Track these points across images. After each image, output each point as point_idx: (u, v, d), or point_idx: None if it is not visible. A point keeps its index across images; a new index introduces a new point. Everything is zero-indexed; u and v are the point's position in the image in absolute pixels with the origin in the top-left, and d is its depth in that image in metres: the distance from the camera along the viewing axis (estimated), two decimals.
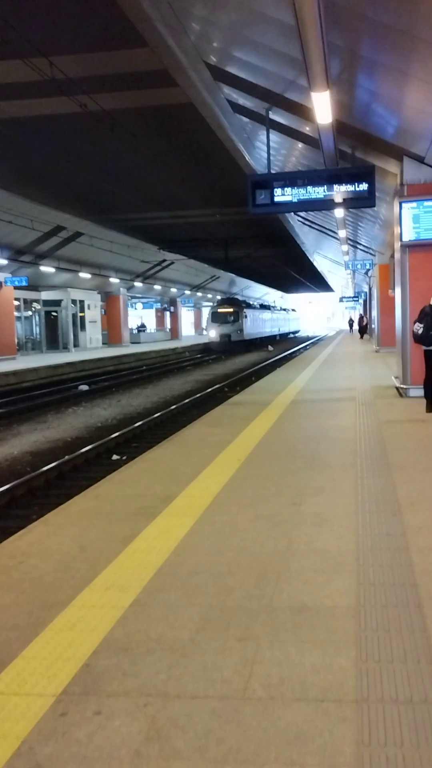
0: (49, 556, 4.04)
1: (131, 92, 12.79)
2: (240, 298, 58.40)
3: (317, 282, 69.54)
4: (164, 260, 39.75)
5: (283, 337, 66.42)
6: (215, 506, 5.04)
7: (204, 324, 57.59)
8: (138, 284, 41.53)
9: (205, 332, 45.04)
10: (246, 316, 44.72)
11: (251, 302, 57.10)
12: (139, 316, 59.09)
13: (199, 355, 38.61)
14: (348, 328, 55.15)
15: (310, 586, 3.50)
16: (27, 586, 3.59)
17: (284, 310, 72.21)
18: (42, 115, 13.60)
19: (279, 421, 9.19)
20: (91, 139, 15.36)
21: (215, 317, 44.02)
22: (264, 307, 59.15)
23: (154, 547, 4.14)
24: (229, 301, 47.27)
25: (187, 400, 17.02)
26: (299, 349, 39.51)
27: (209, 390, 19.44)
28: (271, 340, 56.91)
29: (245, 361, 34.26)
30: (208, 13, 10.60)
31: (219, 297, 58.25)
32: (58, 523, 4.75)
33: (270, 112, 13.22)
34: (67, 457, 10.18)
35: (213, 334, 43.74)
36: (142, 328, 54.49)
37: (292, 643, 2.88)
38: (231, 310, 44.28)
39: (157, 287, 45.52)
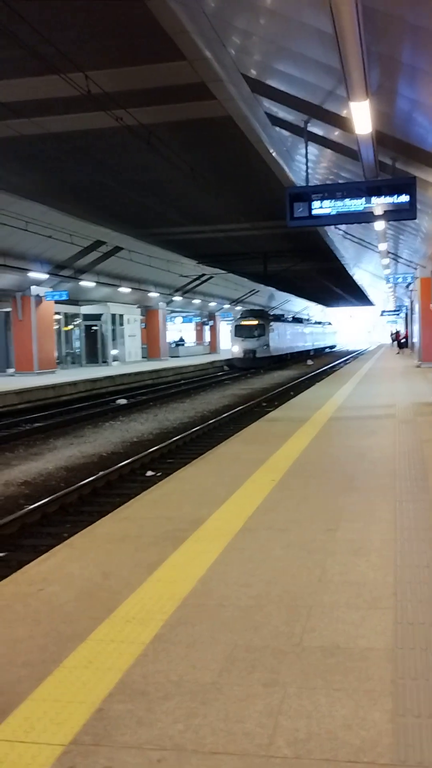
0: (71, 583, 3.87)
1: (168, 106, 12.74)
2: (278, 311, 56.53)
3: (357, 296, 68.94)
4: (203, 274, 39.75)
5: (318, 352, 61.84)
6: (246, 531, 4.82)
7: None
8: (177, 298, 41.57)
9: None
10: (273, 330, 41.20)
11: (282, 314, 53.34)
12: (178, 330, 59.00)
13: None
14: (390, 341, 53.06)
15: (343, 623, 3.25)
16: (44, 616, 3.42)
17: (319, 323, 67.74)
18: (79, 130, 13.64)
19: (316, 439, 8.93)
20: (129, 154, 15.37)
21: (239, 331, 40.59)
22: (295, 319, 55.05)
23: (180, 576, 3.94)
24: (254, 312, 43.14)
25: (223, 415, 16.84)
26: (339, 364, 39.01)
27: (246, 405, 19.22)
28: (304, 355, 53.04)
29: (284, 375, 33.97)
30: (247, 25, 10.49)
31: (269, 312, 56.06)
32: (83, 547, 4.58)
33: (308, 123, 13.04)
34: (101, 473, 10.06)
35: (236, 349, 40.28)
36: (180, 342, 54.35)
37: (322, 691, 2.64)
38: (256, 322, 40.50)
39: (196, 301, 45.41)
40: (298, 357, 50.37)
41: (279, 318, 46.57)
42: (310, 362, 46.65)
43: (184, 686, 2.71)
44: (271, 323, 41.38)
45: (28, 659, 2.96)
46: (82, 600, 3.62)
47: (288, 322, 49.10)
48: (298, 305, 71.17)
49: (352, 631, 3.17)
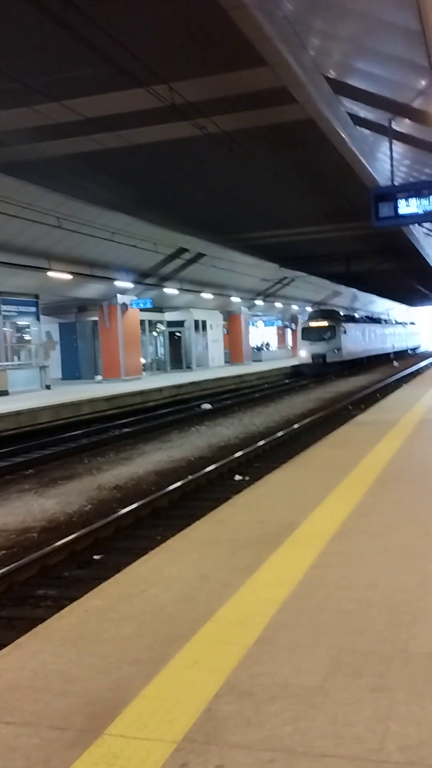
0: (170, 585, 3.95)
1: (249, 112, 12.81)
2: (353, 312, 51.55)
3: None
4: (284, 278, 39.61)
5: (400, 354, 56.10)
6: (341, 535, 4.79)
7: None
8: (259, 302, 41.58)
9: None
10: (345, 332, 37.42)
11: (356, 315, 48.82)
12: (261, 333, 58.83)
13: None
14: None
15: None
16: (148, 617, 3.51)
17: (400, 323, 62.20)
18: (162, 140, 13.89)
19: (407, 442, 8.77)
20: (210, 161, 15.52)
21: (306, 333, 37.03)
22: (372, 319, 50.76)
23: (278, 580, 3.95)
24: (324, 313, 39.69)
25: (309, 419, 16.74)
26: (426, 365, 38.00)
27: (332, 408, 19.04)
28: (382, 359, 48.58)
29: (369, 378, 33.44)
30: (327, 26, 10.45)
31: (342, 312, 50.34)
32: (180, 550, 4.67)
33: (393, 122, 12.85)
34: (190, 477, 10.20)
35: (304, 354, 36.69)
36: (266, 346, 53.95)
37: (431, 698, 2.60)
38: (325, 324, 36.98)
39: (278, 305, 45.22)
40: (376, 360, 46.37)
41: (352, 318, 42.98)
42: (396, 363, 45.63)
43: (290, 689, 2.73)
44: (343, 324, 37.91)
45: (136, 657, 3.04)
46: (183, 602, 3.69)
47: (363, 322, 45.22)
48: (382, 306, 69.84)
49: None
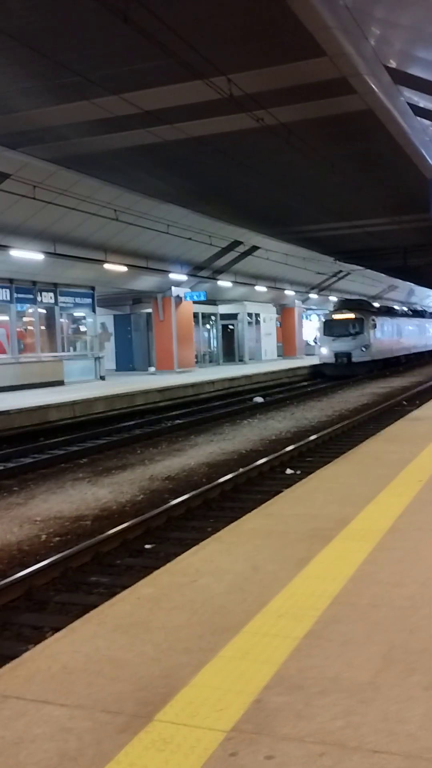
0: (222, 576, 3.96)
1: (308, 103, 12.66)
2: (407, 304, 45.90)
3: None
4: (340, 271, 39.16)
5: None
6: (395, 531, 4.73)
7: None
8: (313, 296, 41.24)
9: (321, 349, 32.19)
10: (375, 326, 31.69)
11: (392, 306, 42.62)
12: (315, 327, 57.96)
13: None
14: None
15: None
16: (199, 606, 3.53)
17: None
18: (219, 132, 13.85)
19: None
20: (267, 153, 15.42)
21: (329, 328, 31.50)
22: (412, 312, 44.43)
23: (330, 574, 3.93)
24: (350, 304, 33.69)
25: (363, 414, 16.55)
26: None
27: (386, 403, 18.78)
28: (425, 357, 43.22)
29: (424, 373, 32.86)
30: (389, 15, 10.26)
31: (403, 307, 45.02)
32: (231, 541, 4.68)
33: None
34: (241, 469, 10.20)
35: (325, 351, 31.23)
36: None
37: None
38: (352, 316, 31.35)
39: (333, 298, 44.75)
40: (416, 360, 40.85)
41: (386, 310, 36.91)
42: None
43: (340, 683, 2.71)
44: (373, 317, 32.17)
45: (187, 646, 3.07)
46: (234, 593, 3.70)
47: (399, 315, 38.94)
48: None
49: None
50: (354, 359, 30.44)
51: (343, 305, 33.34)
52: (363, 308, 32.79)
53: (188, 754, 2.27)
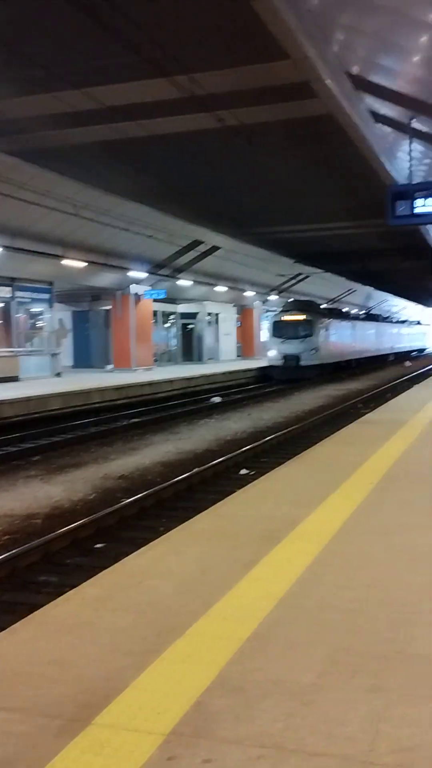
0: (169, 577, 3.93)
1: (270, 105, 12.72)
2: (342, 306, 44.53)
3: None
4: (299, 273, 39.45)
5: (400, 357, 49.46)
6: (344, 533, 4.76)
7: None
8: (273, 297, 41.46)
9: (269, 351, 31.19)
10: (325, 328, 30.91)
11: (345, 309, 41.83)
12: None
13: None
14: None
15: None
16: (145, 607, 3.49)
17: (403, 322, 55.40)
18: (182, 131, 13.82)
19: (416, 442, 8.71)
20: (229, 154, 15.45)
21: (278, 329, 30.50)
22: (369, 316, 44.24)
23: (277, 576, 3.93)
24: (299, 305, 32.35)
25: (318, 416, 16.68)
26: None
27: (342, 406, 18.97)
28: (378, 362, 42.81)
29: (380, 376, 33.30)
30: (353, 21, 10.36)
31: (360, 311, 45.13)
32: (181, 542, 4.65)
33: (414, 120, 12.74)
34: (196, 469, 10.19)
35: (273, 353, 30.06)
36: None
37: (426, 702, 2.57)
38: (301, 318, 30.32)
39: (323, 306, 44.40)
40: (368, 364, 40.00)
41: (337, 313, 36.12)
42: (408, 363, 45.29)
43: (282, 686, 2.71)
44: (324, 320, 31.21)
45: (131, 648, 3.03)
46: (181, 594, 3.68)
47: (352, 318, 38.42)
48: (398, 305, 69.46)
49: None
50: (303, 362, 29.50)
51: (293, 306, 32.18)
52: (313, 310, 31.85)
53: (126, 758, 2.24)
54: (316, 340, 29.89)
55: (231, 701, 2.59)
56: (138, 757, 2.24)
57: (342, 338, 34.08)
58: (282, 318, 30.89)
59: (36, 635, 3.19)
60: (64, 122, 13.50)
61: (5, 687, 2.72)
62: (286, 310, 31.70)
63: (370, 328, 41.92)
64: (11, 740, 2.35)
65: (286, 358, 29.44)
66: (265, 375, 29.71)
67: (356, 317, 40.94)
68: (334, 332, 32.57)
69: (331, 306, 39.87)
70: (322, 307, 34.82)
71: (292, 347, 29.49)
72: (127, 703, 2.58)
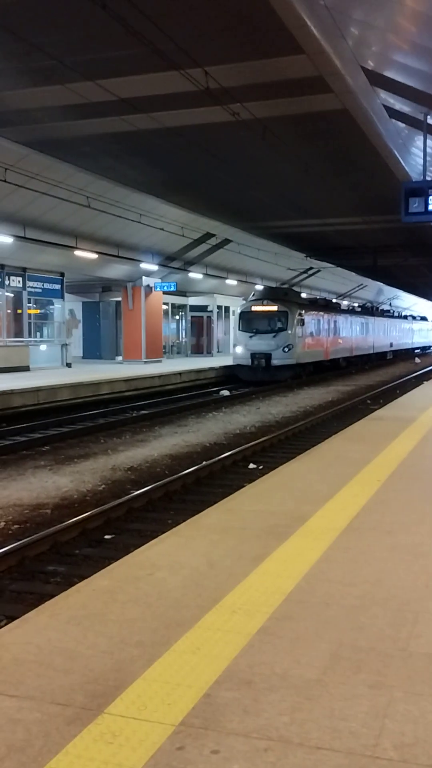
0: (178, 571, 3.99)
1: (284, 100, 12.68)
2: (385, 305, 43.74)
3: None
4: (311, 268, 39.35)
5: (398, 354, 46.00)
6: (351, 530, 4.81)
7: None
8: None
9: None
10: (303, 322, 26.29)
11: (329, 300, 36.23)
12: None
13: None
14: None
15: None
16: (154, 600, 3.55)
17: (403, 317, 51.32)
18: (195, 124, 13.80)
19: (424, 440, 8.73)
20: (242, 148, 15.42)
21: (246, 321, 25.81)
22: (364, 309, 39.36)
23: (285, 571, 3.98)
24: (272, 294, 27.46)
25: (327, 411, 16.71)
26: None
27: (351, 402, 18.98)
28: (373, 359, 39.13)
29: (389, 372, 33.25)
30: (368, 16, 10.32)
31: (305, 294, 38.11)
32: (190, 535, 4.71)
33: (429, 116, 12.69)
34: (204, 462, 10.25)
35: (240, 351, 25.48)
36: None
37: (429, 698, 2.62)
38: (274, 309, 25.63)
39: (303, 295, 44.78)
40: (360, 364, 36.41)
41: (324, 305, 31.44)
42: (418, 360, 45.19)
43: (289, 680, 2.76)
44: (301, 311, 26.43)
45: (140, 639, 3.09)
46: (189, 587, 3.74)
47: (338, 311, 33.26)
48: (408, 301, 69.19)
49: None
50: (274, 361, 24.90)
51: (265, 294, 27.46)
52: (289, 300, 26.84)
53: (136, 748, 2.30)
54: (290, 336, 25.38)
55: (239, 694, 2.65)
56: (148, 746, 2.30)
57: (325, 333, 29.86)
58: (252, 308, 26.15)
59: (47, 625, 3.25)
60: (75, 113, 13.50)
61: (16, 675, 2.79)
62: (256, 299, 26.89)
63: (364, 322, 37.25)
64: (23, 727, 2.41)
65: (254, 356, 24.89)
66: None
67: (345, 310, 35.95)
68: (315, 326, 28.19)
69: (311, 296, 34.84)
70: (301, 296, 30.28)
71: (263, 344, 25.04)
72: (138, 694, 2.64)
